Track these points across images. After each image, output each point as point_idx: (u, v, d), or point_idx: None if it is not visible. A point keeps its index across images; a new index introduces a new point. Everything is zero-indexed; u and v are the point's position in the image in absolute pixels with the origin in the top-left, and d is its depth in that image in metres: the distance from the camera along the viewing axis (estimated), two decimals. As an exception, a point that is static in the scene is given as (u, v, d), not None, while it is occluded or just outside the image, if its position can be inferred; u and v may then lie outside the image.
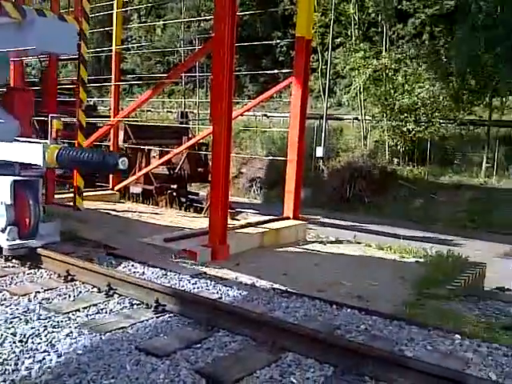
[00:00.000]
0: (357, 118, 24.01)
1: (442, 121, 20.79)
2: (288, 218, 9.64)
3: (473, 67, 19.52)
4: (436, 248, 9.43)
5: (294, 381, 3.49)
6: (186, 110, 25.93)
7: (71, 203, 7.57)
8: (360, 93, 22.79)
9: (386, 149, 21.52)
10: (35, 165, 5.81)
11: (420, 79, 20.96)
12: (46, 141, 5.69)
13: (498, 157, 19.80)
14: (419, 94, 20.46)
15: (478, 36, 18.04)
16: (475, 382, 3.31)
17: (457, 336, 4.46)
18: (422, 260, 8.33)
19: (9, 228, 5.94)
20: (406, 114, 20.62)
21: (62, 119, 6.01)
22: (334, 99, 29.54)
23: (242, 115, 14.64)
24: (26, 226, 6.09)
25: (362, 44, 22.68)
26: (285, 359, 3.79)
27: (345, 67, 23.33)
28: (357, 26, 23.78)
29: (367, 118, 23.23)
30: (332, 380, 3.50)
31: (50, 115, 5.94)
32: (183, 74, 15.16)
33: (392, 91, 21.16)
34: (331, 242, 9.49)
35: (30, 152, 5.74)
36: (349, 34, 23.93)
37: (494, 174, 19.36)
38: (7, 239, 5.93)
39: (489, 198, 17.18)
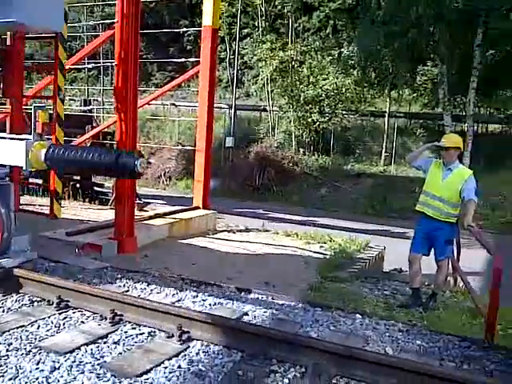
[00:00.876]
0: (265, 109, 24.36)
1: (344, 112, 21.60)
2: (198, 208, 9.64)
3: (373, 61, 20.41)
4: (339, 234, 9.88)
5: (203, 368, 3.50)
6: (90, 97, 24.98)
7: (44, 210, 6.46)
8: (267, 84, 23.11)
9: (293, 139, 22.04)
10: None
11: (324, 71, 21.59)
12: (28, 136, 4.59)
13: (395, 146, 21.00)
14: (323, 85, 21.08)
15: (378, 31, 18.85)
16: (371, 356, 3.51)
17: (358, 316, 4.72)
18: (325, 245, 8.70)
19: None
20: (310, 106, 21.17)
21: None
22: (243, 90, 29.79)
23: (148, 104, 14.32)
24: None
25: (268, 35, 22.97)
26: (193, 348, 3.80)
27: (252, 58, 23.53)
28: (264, 18, 24.06)
29: (275, 108, 23.62)
30: (240, 365, 3.56)
31: (34, 105, 4.86)
32: (86, 61, 14.55)
33: (298, 83, 21.63)
34: (240, 231, 9.63)
35: (7, 150, 4.63)
36: (256, 24, 24.17)
37: (392, 163, 20.52)
38: None
39: (388, 185, 18.18)
